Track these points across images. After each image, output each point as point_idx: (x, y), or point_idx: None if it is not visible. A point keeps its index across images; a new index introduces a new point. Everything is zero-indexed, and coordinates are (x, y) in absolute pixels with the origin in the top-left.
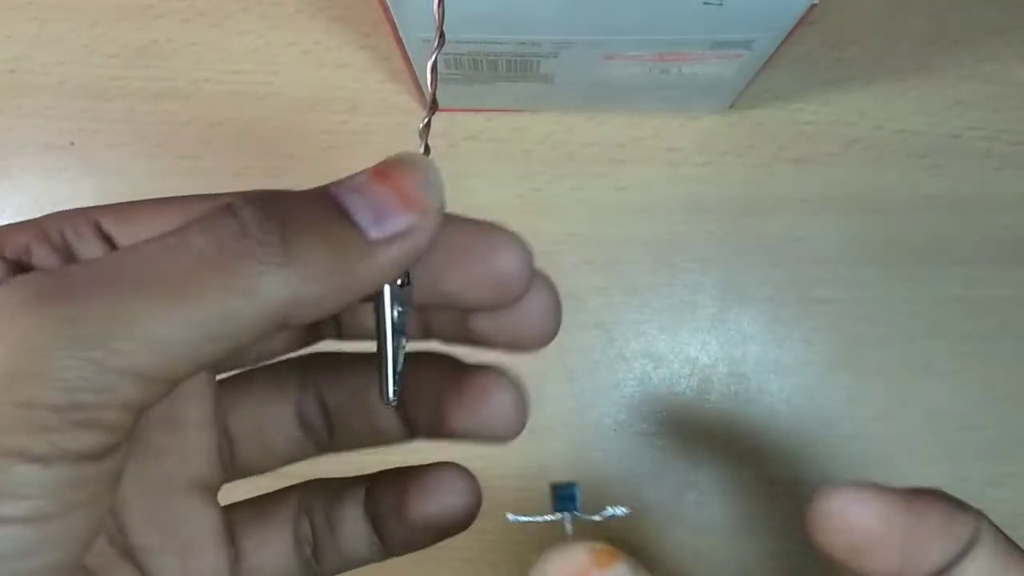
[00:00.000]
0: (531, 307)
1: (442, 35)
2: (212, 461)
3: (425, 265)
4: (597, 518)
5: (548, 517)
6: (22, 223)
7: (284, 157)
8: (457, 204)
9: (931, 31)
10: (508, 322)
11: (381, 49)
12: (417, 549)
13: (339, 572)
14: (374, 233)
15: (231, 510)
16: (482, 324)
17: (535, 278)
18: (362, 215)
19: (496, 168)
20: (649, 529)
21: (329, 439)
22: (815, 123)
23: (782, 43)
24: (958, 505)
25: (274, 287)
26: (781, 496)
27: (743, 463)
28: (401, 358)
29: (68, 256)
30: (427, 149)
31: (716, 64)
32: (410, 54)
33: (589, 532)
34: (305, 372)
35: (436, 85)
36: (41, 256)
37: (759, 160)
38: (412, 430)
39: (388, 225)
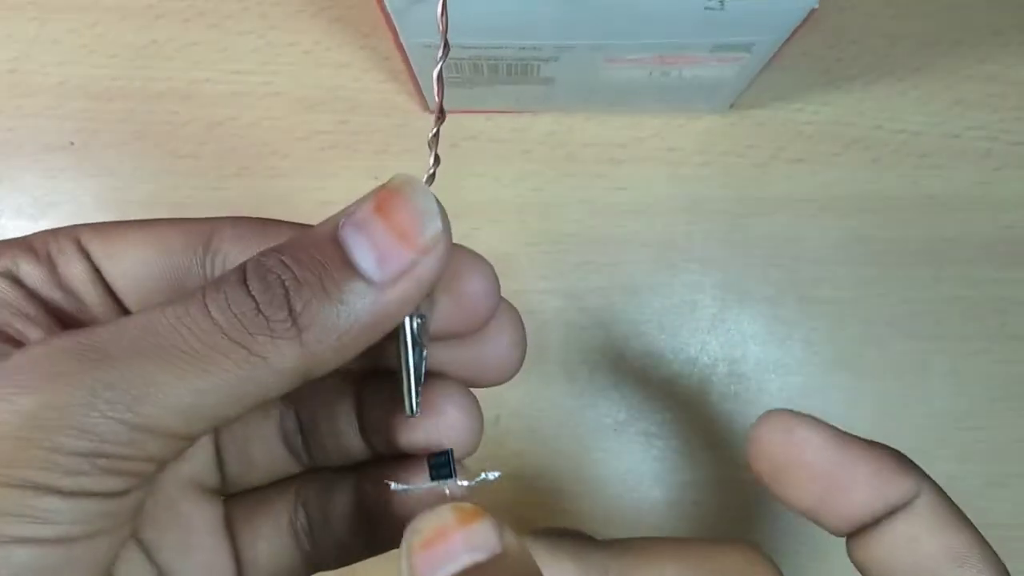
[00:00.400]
0: (497, 337)
1: (447, 44)
2: (209, 458)
3: None
4: (469, 483)
5: (427, 485)
6: (14, 240)
7: (284, 157)
8: (457, 204)
9: (931, 31)
10: (472, 353)
11: (381, 49)
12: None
13: (337, 562)
14: (378, 276)
15: (229, 503)
16: (445, 354)
17: (502, 306)
18: (365, 260)
19: (496, 168)
20: (648, 529)
21: (308, 456)
22: (815, 123)
23: (782, 46)
24: (902, 463)
25: (290, 355)
26: None
27: (743, 463)
28: (424, 369)
29: (51, 270)
30: (437, 160)
31: (716, 67)
32: (411, 60)
33: (598, 523)
34: None
35: (443, 95)
36: (27, 271)
37: (759, 160)
38: (372, 448)
39: (391, 266)
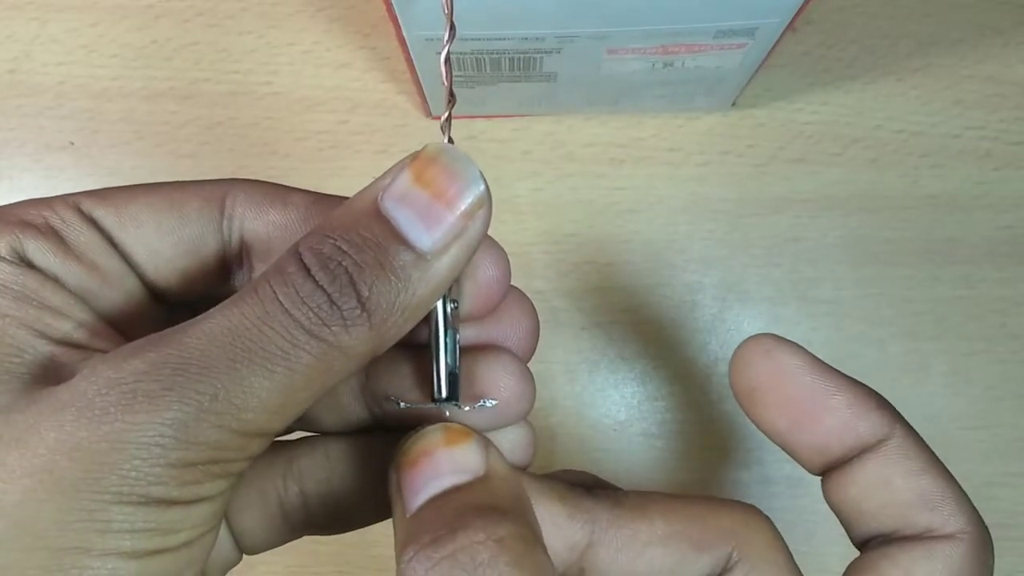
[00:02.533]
0: (511, 322)
1: (453, 26)
2: None
3: None
4: (470, 407)
5: (431, 405)
6: (2, 216)
7: (284, 157)
8: None
9: (931, 31)
10: (487, 336)
11: (381, 49)
12: None
13: (345, 531)
14: (429, 246)
15: None
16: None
17: (517, 295)
18: (414, 232)
19: (496, 168)
20: None
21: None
22: (815, 123)
23: (783, 32)
24: (879, 401)
25: (363, 339)
26: (778, 496)
27: (741, 464)
28: (458, 352)
29: (61, 243)
30: (450, 142)
31: (719, 55)
32: (413, 55)
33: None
34: None
35: (451, 78)
36: (35, 248)
37: (759, 160)
38: (374, 415)
39: (441, 235)
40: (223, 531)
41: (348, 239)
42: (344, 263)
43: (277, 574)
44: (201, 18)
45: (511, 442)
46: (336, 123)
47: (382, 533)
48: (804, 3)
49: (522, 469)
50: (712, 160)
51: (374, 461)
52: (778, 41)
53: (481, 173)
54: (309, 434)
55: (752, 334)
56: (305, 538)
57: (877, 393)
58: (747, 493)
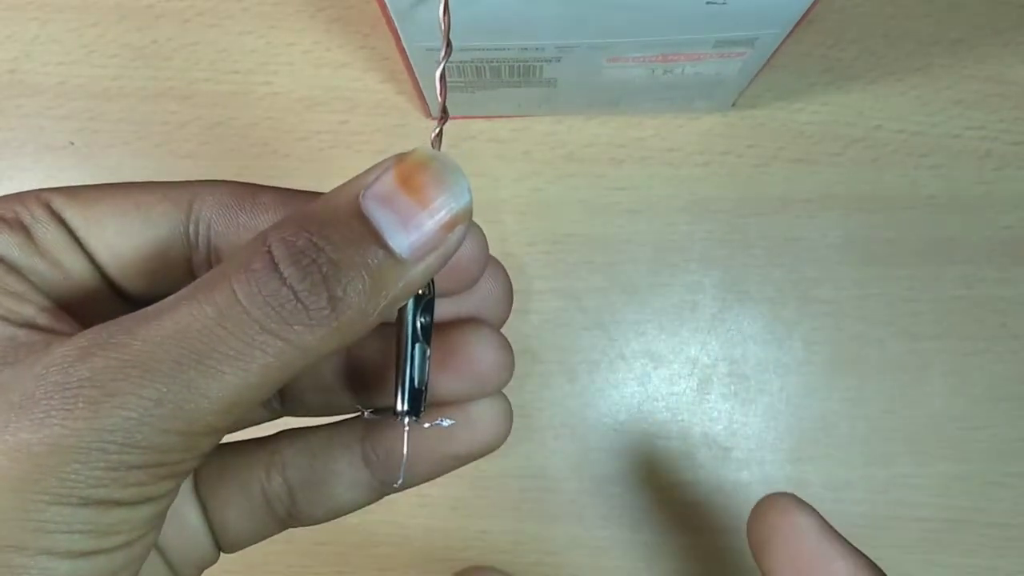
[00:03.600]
0: (486, 293)
1: (449, 44)
2: None
3: None
4: (428, 425)
5: (391, 416)
6: None
7: (283, 157)
8: None
9: (930, 32)
10: (464, 309)
11: (380, 49)
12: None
13: (330, 518)
14: (408, 253)
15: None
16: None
17: (490, 263)
18: (394, 235)
19: (497, 168)
20: (650, 528)
21: (282, 406)
22: (815, 123)
23: (784, 40)
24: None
25: (326, 338)
26: None
27: (743, 464)
28: (427, 367)
29: (28, 238)
30: None
31: (719, 63)
32: (413, 63)
33: (598, 521)
34: None
35: (445, 94)
36: (2, 243)
37: (759, 160)
38: (359, 401)
39: (421, 243)
40: (201, 528)
41: (325, 235)
42: (319, 260)
43: (278, 574)
44: (201, 18)
45: (489, 413)
46: (336, 123)
47: (384, 532)
48: (804, 15)
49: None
50: (712, 160)
51: (357, 446)
52: (777, 51)
53: (468, 186)
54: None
55: (773, 492)
56: (305, 538)
57: (877, 567)
58: (749, 492)
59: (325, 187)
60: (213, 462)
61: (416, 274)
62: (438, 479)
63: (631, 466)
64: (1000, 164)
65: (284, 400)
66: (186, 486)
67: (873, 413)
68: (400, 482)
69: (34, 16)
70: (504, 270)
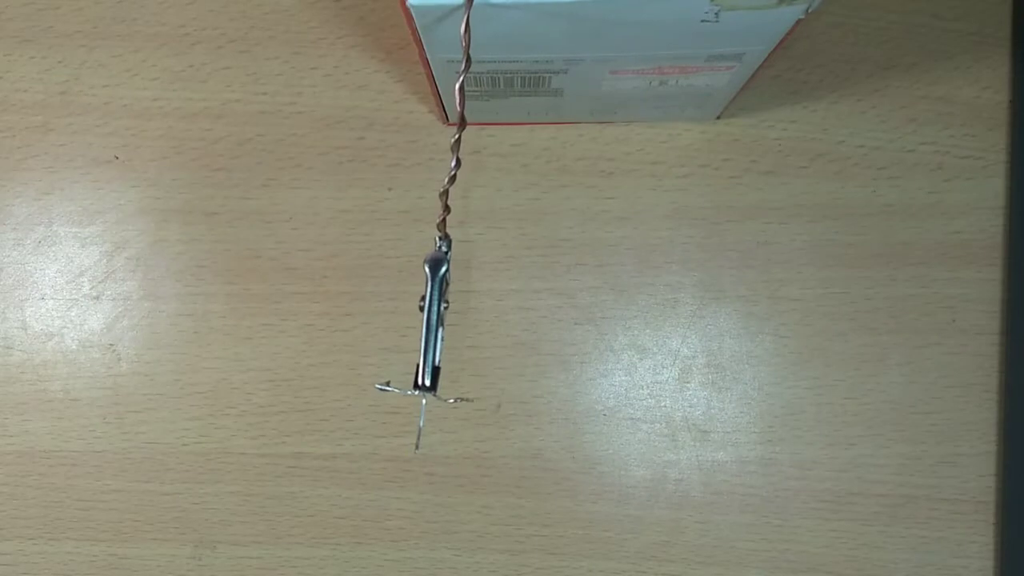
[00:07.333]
0: None
1: (468, 59)
2: None
3: None
4: (451, 401)
5: (411, 392)
6: None
7: (308, 170)
8: (463, 212)
9: (887, 57)
10: None
11: (395, 72)
12: None
13: None
14: None
15: None
16: None
17: None
18: None
19: (498, 179)
20: (636, 503)
21: None
22: (785, 139)
23: (770, 54)
24: None
25: None
26: (753, 474)
27: (719, 445)
28: (440, 348)
29: None
30: (458, 162)
31: (709, 75)
32: (435, 73)
33: (590, 497)
34: None
35: (464, 105)
36: None
37: (734, 172)
38: None
39: None
40: None
41: None
42: None
43: (301, 544)
44: (233, 44)
45: None
46: (354, 139)
47: (395, 508)
48: (788, 33)
49: None
50: (692, 172)
51: None
52: (762, 65)
53: None
54: None
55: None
56: (325, 512)
57: None
58: (725, 471)
59: (345, 196)
60: None
61: None
62: (446, 459)
63: (619, 447)
64: (950, 176)
65: None
66: None
67: (836, 399)
68: (417, 450)
69: (82, 43)
70: None
